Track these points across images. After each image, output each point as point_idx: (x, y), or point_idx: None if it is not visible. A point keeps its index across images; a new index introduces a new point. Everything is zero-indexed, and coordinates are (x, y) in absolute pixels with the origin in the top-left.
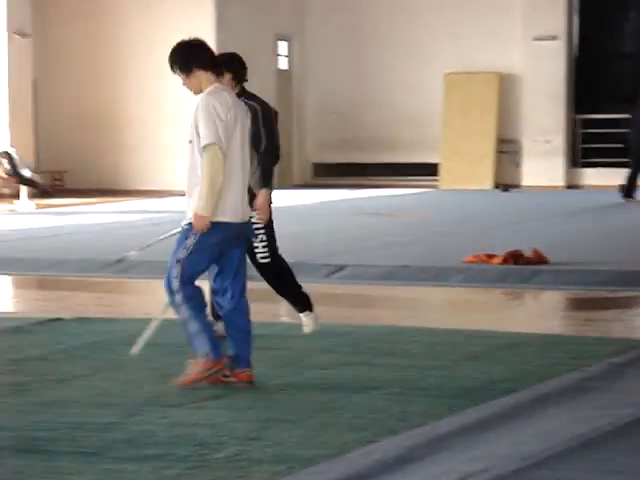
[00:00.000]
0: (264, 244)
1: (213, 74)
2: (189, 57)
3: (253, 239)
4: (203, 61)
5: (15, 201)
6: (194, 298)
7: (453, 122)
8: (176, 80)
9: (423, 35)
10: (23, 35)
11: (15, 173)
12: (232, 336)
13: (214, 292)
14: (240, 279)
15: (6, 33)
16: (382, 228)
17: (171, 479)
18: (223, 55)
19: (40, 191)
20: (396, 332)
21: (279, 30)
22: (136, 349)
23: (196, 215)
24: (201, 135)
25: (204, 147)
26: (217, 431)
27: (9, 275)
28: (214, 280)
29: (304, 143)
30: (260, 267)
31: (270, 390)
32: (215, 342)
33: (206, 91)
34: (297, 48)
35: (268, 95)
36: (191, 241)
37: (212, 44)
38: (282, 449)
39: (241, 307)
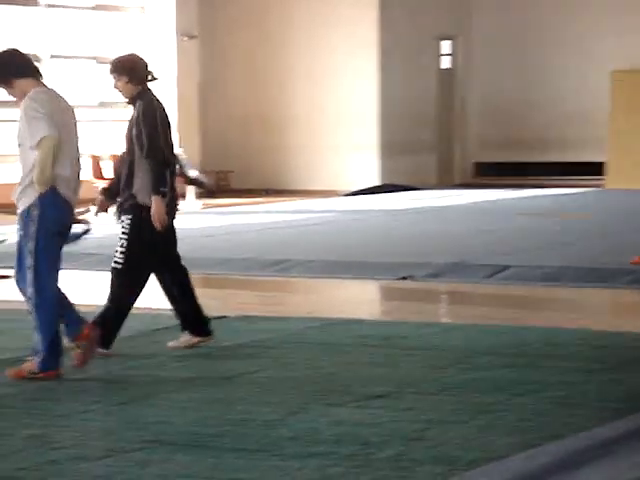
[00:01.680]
0: (122, 250)
1: (33, 79)
2: (3, 70)
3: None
4: (18, 70)
5: (182, 201)
6: None
7: (620, 120)
8: (337, 82)
9: (589, 32)
10: (191, 37)
11: (182, 173)
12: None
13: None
14: None
15: (175, 35)
16: (545, 228)
17: (336, 477)
18: (117, 60)
19: (206, 191)
20: (561, 334)
21: (441, 30)
22: None
23: None
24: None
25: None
26: (380, 430)
27: None
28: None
29: (465, 142)
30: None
31: (432, 390)
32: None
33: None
34: (460, 47)
35: (429, 94)
36: None
37: (375, 45)
38: (444, 450)
39: None
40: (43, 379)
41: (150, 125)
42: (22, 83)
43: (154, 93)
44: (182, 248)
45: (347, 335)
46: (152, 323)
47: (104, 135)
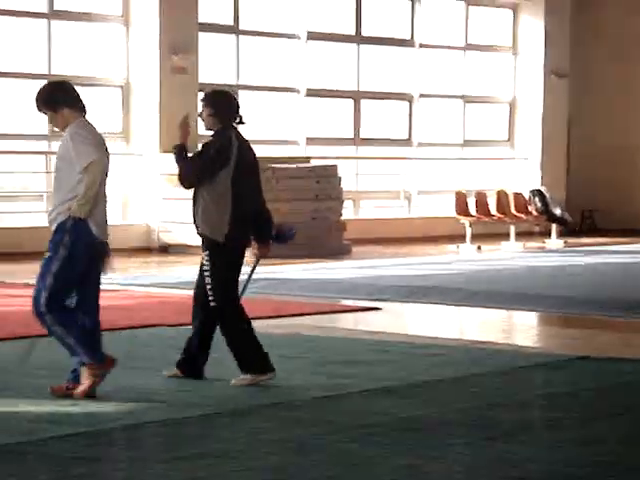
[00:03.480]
0: (209, 286)
1: (79, 111)
2: (53, 97)
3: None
4: (66, 100)
5: (546, 239)
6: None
7: None
8: None
9: None
10: (560, 75)
11: (546, 211)
12: None
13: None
14: None
15: (543, 73)
16: None
17: None
18: (212, 91)
19: (569, 229)
20: None
21: None
22: None
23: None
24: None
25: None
26: None
27: (535, 311)
28: None
29: None
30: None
31: None
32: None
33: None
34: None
35: None
36: None
37: None
38: None
39: None
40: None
41: (208, 157)
42: (67, 112)
43: (240, 134)
44: (542, 286)
45: None
46: (514, 361)
47: (468, 172)
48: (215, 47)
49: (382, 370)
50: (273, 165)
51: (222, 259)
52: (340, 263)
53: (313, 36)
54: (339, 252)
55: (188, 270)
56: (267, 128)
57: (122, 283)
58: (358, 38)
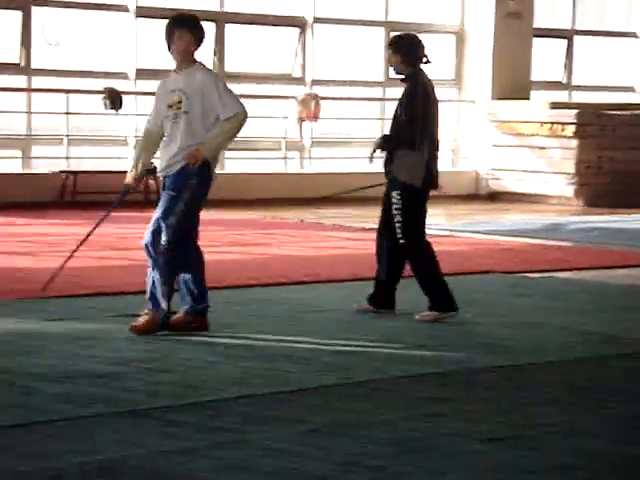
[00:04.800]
0: (399, 224)
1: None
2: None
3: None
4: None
5: None
6: None
7: None
8: None
9: None
10: None
11: None
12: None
13: None
14: None
15: None
16: None
17: None
18: (396, 37)
19: None
20: None
21: None
22: None
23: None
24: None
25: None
26: None
27: None
28: None
29: None
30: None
31: None
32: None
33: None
34: None
35: None
36: None
37: None
38: None
39: None
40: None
41: (410, 109)
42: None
43: (426, 74)
44: None
45: None
46: None
47: None
48: None
49: None
50: (607, 112)
51: (414, 199)
52: None
53: None
54: None
55: (518, 218)
56: (599, 74)
57: (450, 229)
58: None
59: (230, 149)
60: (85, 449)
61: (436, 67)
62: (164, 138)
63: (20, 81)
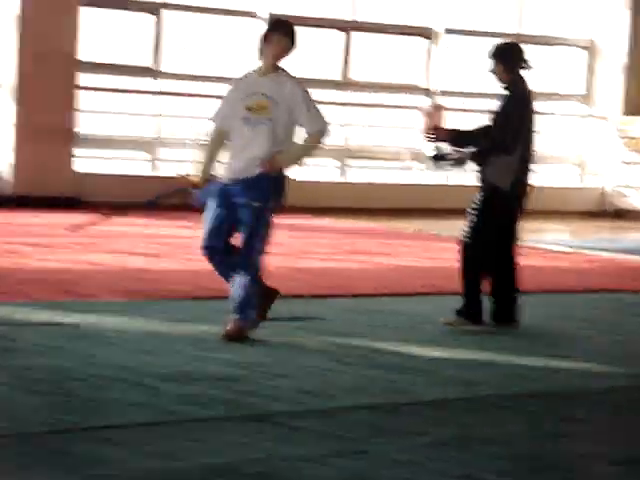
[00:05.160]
0: (472, 224)
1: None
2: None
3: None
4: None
5: None
6: None
7: None
8: None
9: None
10: None
11: None
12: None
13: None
14: None
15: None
16: None
17: None
18: (497, 46)
19: None
20: None
21: None
22: None
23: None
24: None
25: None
26: None
27: None
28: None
29: None
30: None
31: None
32: None
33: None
34: None
35: None
36: None
37: None
38: None
39: None
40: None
41: (505, 115)
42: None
43: (526, 82)
44: None
45: None
46: None
47: None
48: None
49: None
50: None
51: (499, 203)
52: None
53: None
54: None
55: None
56: None
57: (575, 246)
58: None
59: (353, 157)
60: (210, 450)
61: (566, 81)
62: (236, 140)
63: (151, 84)
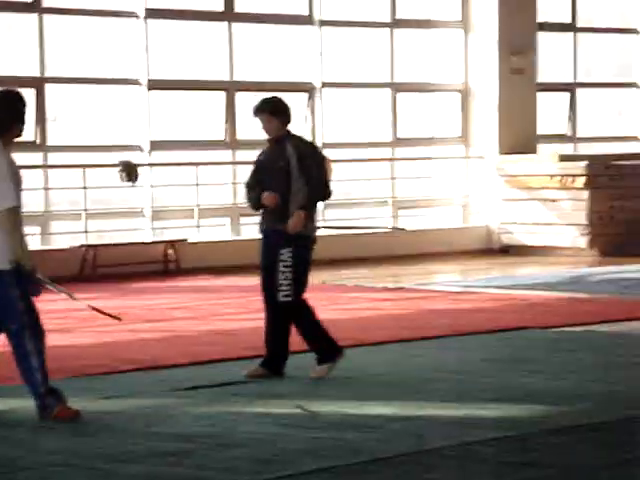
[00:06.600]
0: (288, 282)
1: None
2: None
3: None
4: None
5: None
6: None
7: None
8: None
9: None
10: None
11: None
12: None
13: None
14: None
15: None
16: None
17: None
18: (273, 101)
19: None
20: None
21: None
22: None
23: None
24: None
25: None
26: None
27: None
28: None
29: None
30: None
31: None
32: None
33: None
34: None
35: None
36: None
37: None
38: None
39: None
40: None
41: (315, 161)
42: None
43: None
44: None
45: None
46: None
47: None
48: (551, 46)
49: None
50: (616, 162)
51: (301, 254)
52: None
53: None
54: None
55: (536, 271)
56: (605, 125)
57: (467, 285)
58: None
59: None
60: None
61: (442, 125)
62: None
63: (36, 158)
